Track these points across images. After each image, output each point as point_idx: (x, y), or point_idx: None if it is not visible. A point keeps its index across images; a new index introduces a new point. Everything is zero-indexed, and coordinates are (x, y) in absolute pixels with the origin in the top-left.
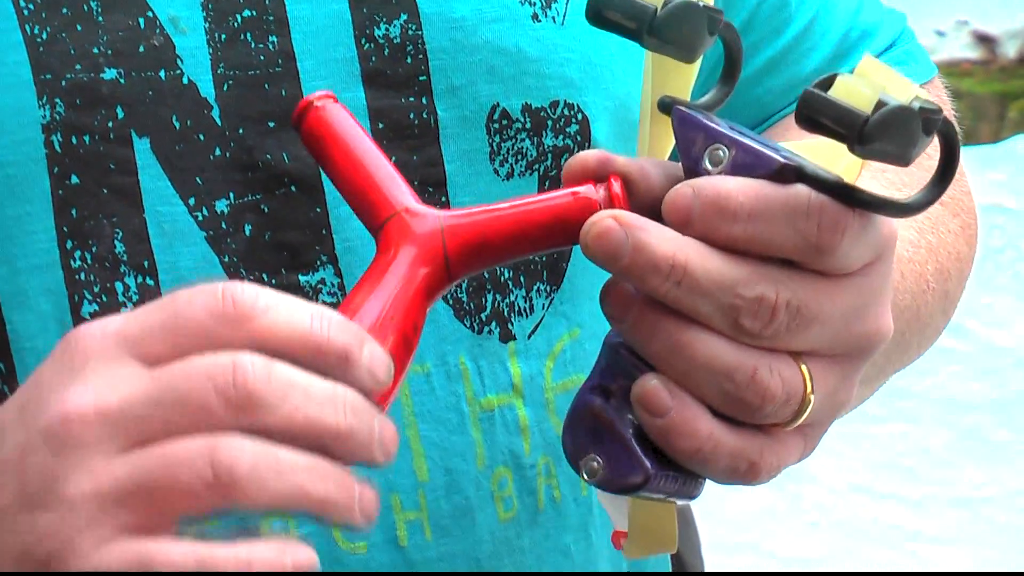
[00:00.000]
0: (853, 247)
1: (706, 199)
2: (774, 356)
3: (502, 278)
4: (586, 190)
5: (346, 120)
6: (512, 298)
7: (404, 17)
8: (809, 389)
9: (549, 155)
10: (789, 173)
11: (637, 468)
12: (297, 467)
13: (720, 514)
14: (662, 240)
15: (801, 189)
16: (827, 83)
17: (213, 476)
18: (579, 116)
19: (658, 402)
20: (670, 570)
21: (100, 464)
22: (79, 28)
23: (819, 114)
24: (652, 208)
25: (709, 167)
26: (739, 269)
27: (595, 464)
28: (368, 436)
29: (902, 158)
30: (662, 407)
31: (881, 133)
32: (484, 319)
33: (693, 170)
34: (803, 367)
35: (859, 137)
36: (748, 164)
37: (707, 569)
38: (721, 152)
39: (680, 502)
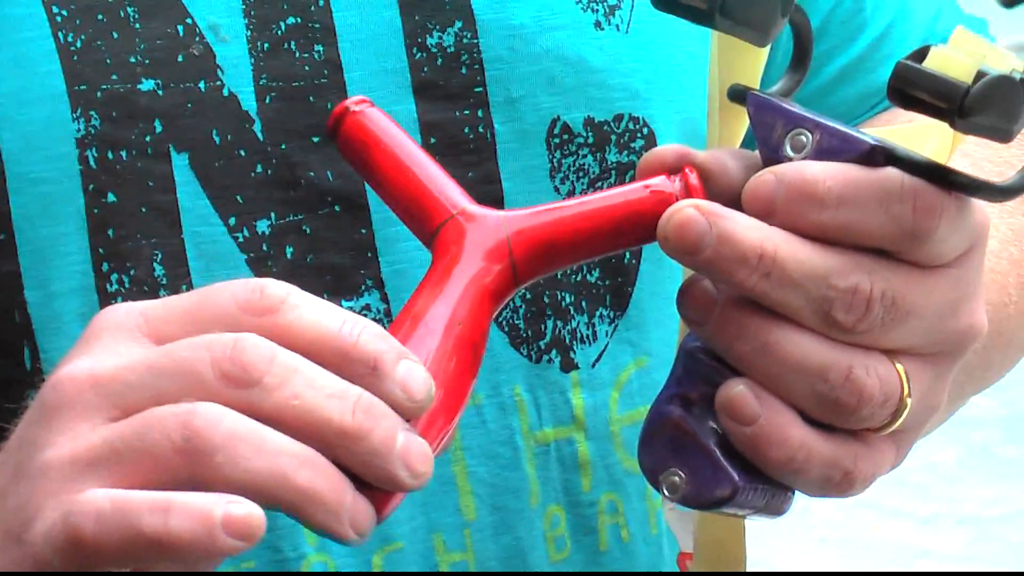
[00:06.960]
0: (950, 234)
1: (791, 185)
2: (868, 354)
3: (563, 304)
4: (660, 182)
5: (387, 123)
6: (574, 324)
7: (459, 24)
8: (906, 391)
9: (613, 172)
10: (879, 156)
11: (724, 481)
12: (282, 450)
13: None
14: (748, 228)
15: (893, 172)
16: (920, 55)
17: (183, 441)
18: (645, 131)
19: (746, 408)
20: None
21: (84, 430)
22: (115, 36)
23: (915, 87)
24: (732, 203)
25: (791, 154)
26: (831, 258)
27: (676, 479)
28: (384, 444)
29: (1005, 133)
30: (750, 414)
31: (983, 105)
32: (543, 347)
33: (773, 159)
34: (898, 366)
35: (960, 110)
36: (834, 148)
37: None
38: (804, 137)
39: (767, 519)
